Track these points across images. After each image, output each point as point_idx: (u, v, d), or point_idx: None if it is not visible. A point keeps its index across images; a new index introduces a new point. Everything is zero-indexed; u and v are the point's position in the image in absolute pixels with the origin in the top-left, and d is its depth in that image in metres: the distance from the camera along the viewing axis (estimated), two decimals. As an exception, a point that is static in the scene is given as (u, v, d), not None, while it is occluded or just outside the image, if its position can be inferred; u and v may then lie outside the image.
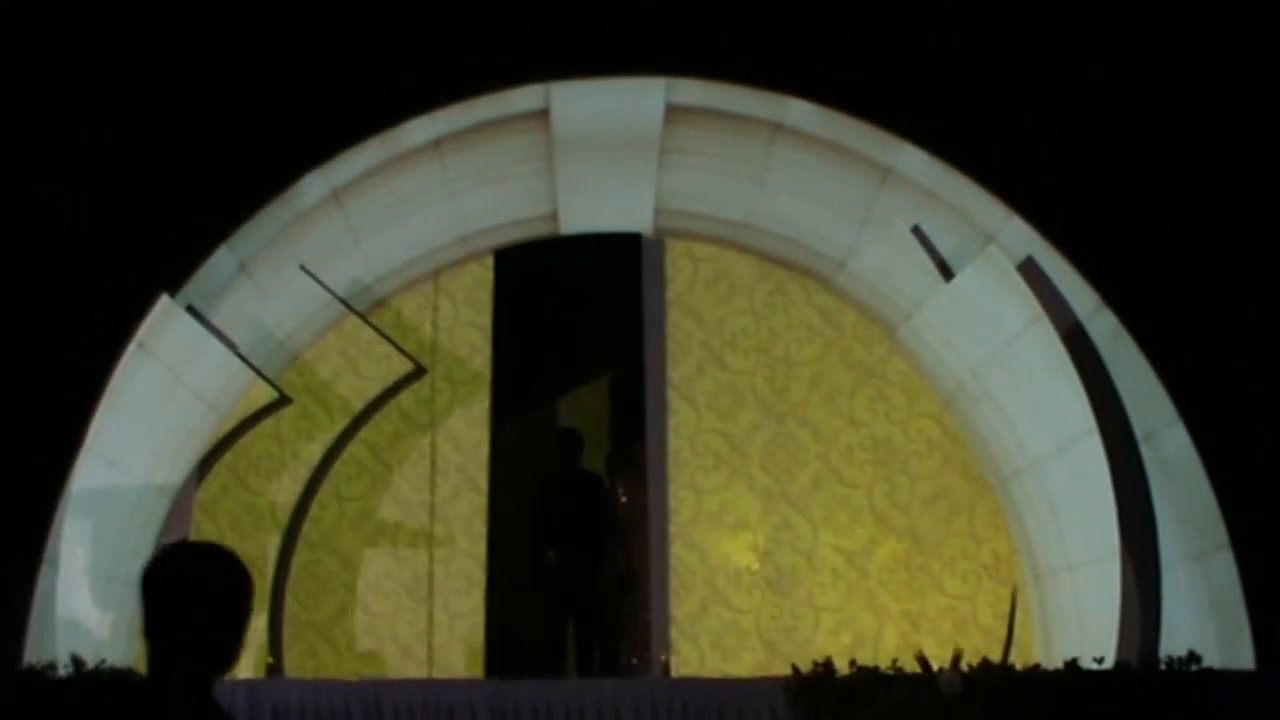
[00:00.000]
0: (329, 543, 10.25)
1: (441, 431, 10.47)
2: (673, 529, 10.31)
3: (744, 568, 10.31)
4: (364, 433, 10.37)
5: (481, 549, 10.30)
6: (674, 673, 9.78)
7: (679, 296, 10.62)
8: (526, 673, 8.70)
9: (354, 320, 10.25)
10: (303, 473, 10.26)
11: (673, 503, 10.35)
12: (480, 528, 10.32)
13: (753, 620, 10.23)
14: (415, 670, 9.96)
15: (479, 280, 10.64)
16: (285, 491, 10.23)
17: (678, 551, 10.30)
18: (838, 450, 10.41)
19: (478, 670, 9.99)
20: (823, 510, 10.36)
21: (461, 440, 10.46)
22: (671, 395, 10.50)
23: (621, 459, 10.61)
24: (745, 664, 9.99)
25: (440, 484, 10.39)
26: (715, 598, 10.26)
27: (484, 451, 10.44)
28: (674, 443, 10.44)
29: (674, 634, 10.15)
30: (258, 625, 9.99)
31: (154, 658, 2.71)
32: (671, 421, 10.46)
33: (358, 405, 10.36)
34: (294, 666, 9.94)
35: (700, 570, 10.30)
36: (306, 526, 10.21)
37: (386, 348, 10.33)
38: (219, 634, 2.70)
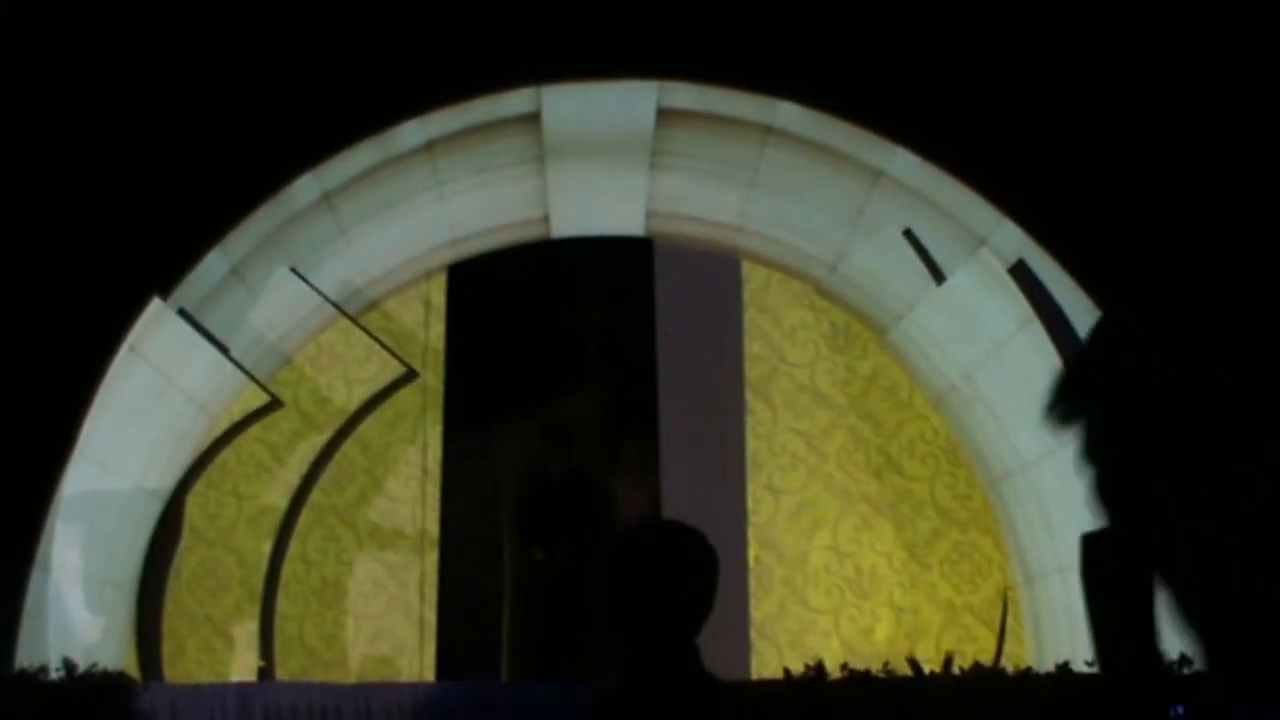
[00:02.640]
0: (226, 540, 10.14)
1: (351, 435, 10.40)
2: (750, 530, 10.21)
3: (822, 568, 10.20)
4: (261, 432, 10.24)
5: (390, 555, 10.26)
6: (754, 674, 9.61)
7: (755, 296, 10.58)
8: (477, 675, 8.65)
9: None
10: (216, 478, 10.14)
11: (750, 503, 10.26)
12: (388, 531, 10.28)
13: (831, 621, 10.14)
14: (321, 672, 9.87)
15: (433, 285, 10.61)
16: (198, 497, 10.08)
17: (756, 552, 10.20)
18: (914, 448, 10.33)
19: (387, 674, 9.95)
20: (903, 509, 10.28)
21: (370, 444, 10.42)
22: (749, 395, 10.43)
23: (618, 460, 10.55)
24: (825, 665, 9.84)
25: (347, 487, 10.35)
26: (794, 598, 10.16)
27: (392, 453, 10.38)
28: (751, 443, 10.35)
29: (752, 635, 10.03)
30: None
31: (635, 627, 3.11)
32: (749, 421, 10.38)
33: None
34: (191, 660, 9.89)
35: (778, 571, 10.19)
36: (203, 524, 10.13)
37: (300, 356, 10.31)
38: (693, 601, 3.14)
